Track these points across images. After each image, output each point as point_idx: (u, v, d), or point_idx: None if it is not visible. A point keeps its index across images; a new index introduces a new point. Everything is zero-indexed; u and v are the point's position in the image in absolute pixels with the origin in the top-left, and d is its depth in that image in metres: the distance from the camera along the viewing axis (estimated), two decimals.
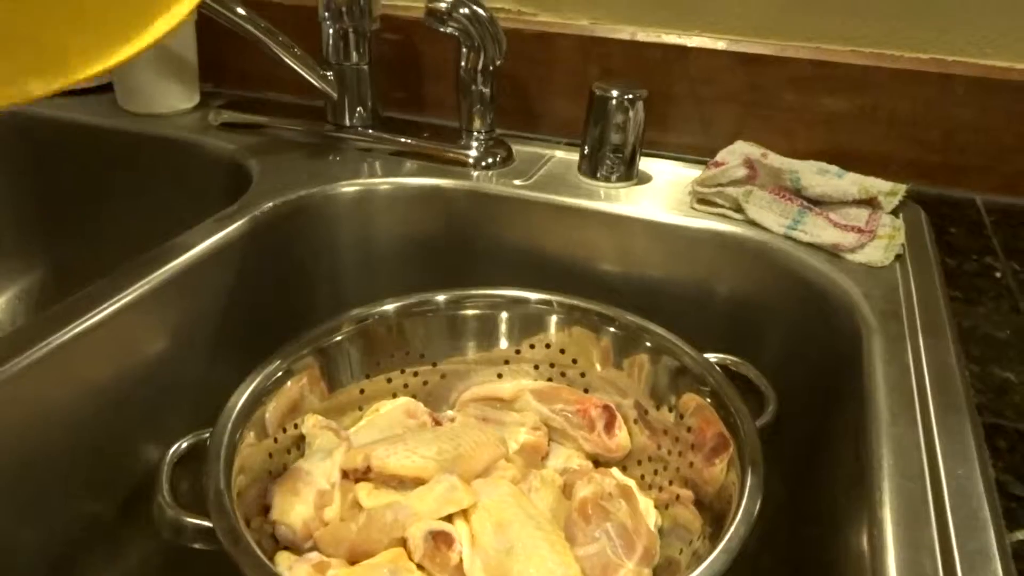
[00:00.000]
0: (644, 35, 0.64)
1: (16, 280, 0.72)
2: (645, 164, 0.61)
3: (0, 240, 0.72)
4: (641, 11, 0.64)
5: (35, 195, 0.72)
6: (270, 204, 0.54)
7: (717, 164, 0.57)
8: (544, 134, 0.68)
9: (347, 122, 0.64)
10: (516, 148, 0.64)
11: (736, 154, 0.58)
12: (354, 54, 0.62)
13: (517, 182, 0.58)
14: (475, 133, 0.62)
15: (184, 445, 0.40)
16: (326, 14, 0.61)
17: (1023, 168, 0.60)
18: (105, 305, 0.43)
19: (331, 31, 0.62)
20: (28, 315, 0.70)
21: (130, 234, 0.69)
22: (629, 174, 0.59)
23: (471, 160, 0.61)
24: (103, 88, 0.72)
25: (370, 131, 0.64)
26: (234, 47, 0.68)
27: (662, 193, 0.58)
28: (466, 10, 0.57)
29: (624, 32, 0.64)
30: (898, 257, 0.50)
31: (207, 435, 0.39)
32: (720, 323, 0.52)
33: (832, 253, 0.50)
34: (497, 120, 0.63)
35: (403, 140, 0.63)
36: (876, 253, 0.49)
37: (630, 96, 0.57)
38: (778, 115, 0.62)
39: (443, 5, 0.57)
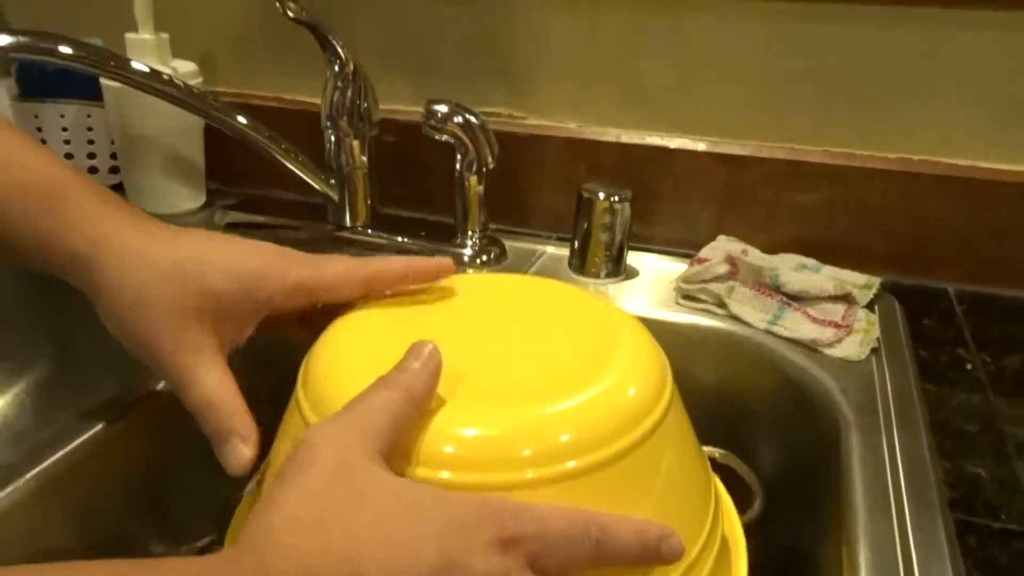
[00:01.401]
0: (628, 137, 0.67)
1: (22, 375, 0.73)
2: (632, 258, 0.64)
3: (7, 335, 0.74)
4: (626, 114, 0.68)
5: (43, 288, 0.74)
6: None
7: (700, 261, 0.60)
8: (535, 229, 0.71)
9: (347, 222, 0.68)
10: (509, 244, 0.67)
11: (718, 251, 0.61)
12: (354, 158, 0.66)
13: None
14: (470, 231, 0.65)
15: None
16: (328, 123, 0.65)
17: (990, 257, 0.63)
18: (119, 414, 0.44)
19: (332, 137, 0.65)
20: (35, 409, 0.71)
21: None
22: (617, 270, 0.62)
23: (466, 258, 0.64)
24: (113, 188, 0.75)
25: (369, 230, 0.67)
26: (238, 148, 0.72)
27: (649, 288, 0.61)
28: (460, 119, 0.61)
29: (610, 134, 0.68)
30: (873, 350, 0.52)
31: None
32: (705, 415, 0.54)
33: (811, 348, 0.52)
34: (490, 216, 0.66)
35: (401, 239, 0.66)
36: (852, 348, 0.52)
37: (616, 198, 0.60)
38: (756, 210, 0.66)
39: (439, 115, 0.61)
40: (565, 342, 0.36)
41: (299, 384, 0.35)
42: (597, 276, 0.62)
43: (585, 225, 0.61)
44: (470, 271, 0.63)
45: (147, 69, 0.58)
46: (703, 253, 0.62)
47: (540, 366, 0.34)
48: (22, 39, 0.52)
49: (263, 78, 0.76)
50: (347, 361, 0.35)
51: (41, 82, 0.71)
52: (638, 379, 0.34)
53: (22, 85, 0.71)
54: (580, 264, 0.62)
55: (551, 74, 0.69)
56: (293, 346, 0.40)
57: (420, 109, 0.61)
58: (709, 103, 0.66)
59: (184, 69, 0.69)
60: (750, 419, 0.54)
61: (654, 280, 0.62)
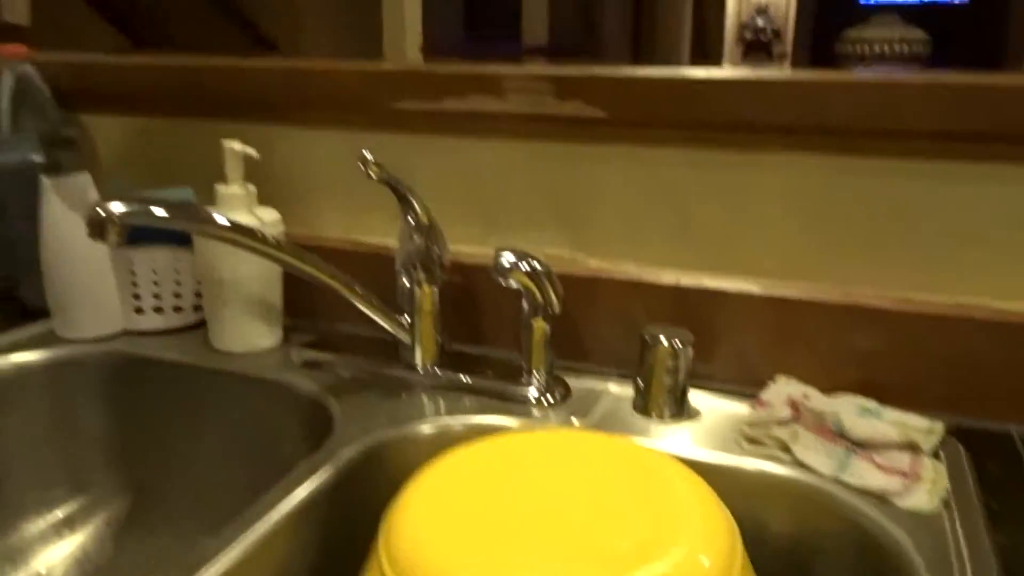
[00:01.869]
0: (685, 279, 0.70)
1: (104, 508, 0.76)
2: (693, 397, 0.66)
3: (90, 469, 0.77)
4: (682, 257, 0.71)
5: (125, 426, 0.78)
6: (352, 453, 0.59)
7: (762, 403, 0.62)
8: (596, 365, 0.73)
9: (417, 361, 0.71)
10: (573, 382, 0.69)
11: (780, 394, 0.63)
12: (426, 303, 0.69)
13: (577, 421, 0.63)
14: (535, 372, 0.68)
15: None
16: (402, 269, 0.69)
17: None
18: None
19: (406, 282, 0.69)
20: (115, 543, 0.74)
21: (215, 468, 0.74)
22: (680, 411, 0.64)
23: (533, 399, 0.66)
24: (196, 326, 0.79)
25: (438, 370, 0.70)
26: (313, 287, 0.76)
27: (713, 431, 0.62)
28: (526, 268, 0.64)
29: (667, 276, 0.71)
30: (943, 501, 0.53)
31: None
32: (773, 565, 0.55)
33: (880, 498, 0.53)
34: (555, 353, 0.69)
35: (470, 379, 0.69)
36: (922, 498, 0.52)
37: (678, 342, 0.62)
38: (812, 352, 0.67)
39: (506, 264, 0.64)
40: (635, 506, 0.38)
41: (380, 542, 0.37)
42: (660, 417, 0.64)
43: (648, 368, 0.63)
44: (536, 412, 0.65)
45: (228, 223, 0.63)
46: (765, 396, 0.63)
47: (612, 532, 0.36)
48: (133, 207, 0.57)
49: (338, 221, 0.81)
50: (427, 522, 0.37)
51: (137, 230, 0.76)
52: (710, 548, 0.35)
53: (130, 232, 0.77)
54: (644, 405, 0.64)
55: (610, 219, 0.73)
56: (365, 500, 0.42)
57: (487, 250, 0.64)
58: (763, 246, 0.69)
59: (268, 217, 0.75)
60: (821, 569, 0.54)
61: (717, 422, 0.64)
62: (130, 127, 0.87)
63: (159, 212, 0.60)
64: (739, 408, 0.64)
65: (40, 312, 0.81)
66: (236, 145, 0.73)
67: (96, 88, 0.86)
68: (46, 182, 0.75)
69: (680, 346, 0.62)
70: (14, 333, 0.79)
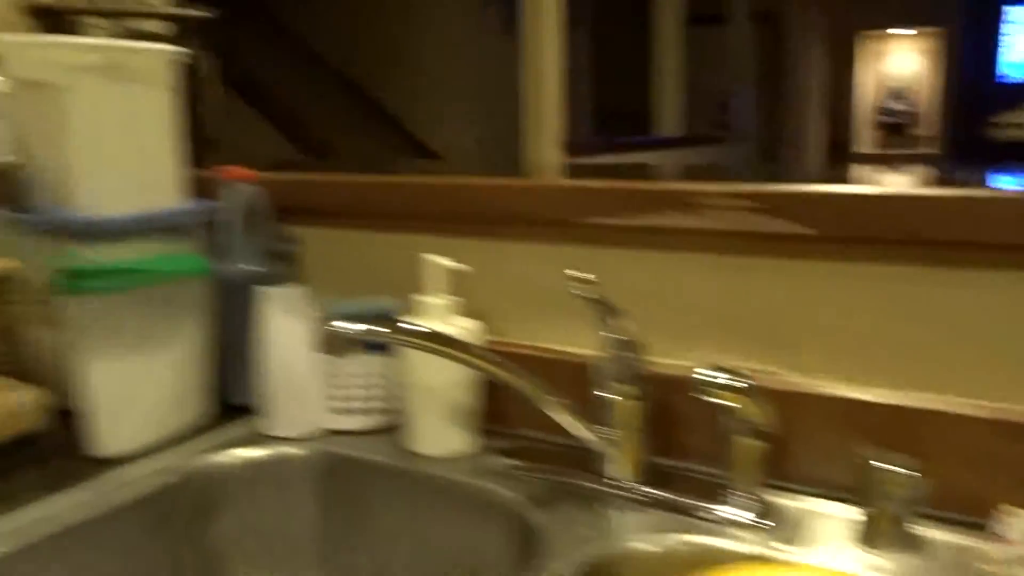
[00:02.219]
0: (903, 398, 0.68)
1: None
2: (915, 526, 0.63)
3: (292, 561, 0.81)
4: (894, 374, 0.69)
5: (327, 523, 0.81)
6: (571, 570, 0.59)
7: (1002, 539, 0.58)
8: (803, 485, 0.71)
9: (618, 474, 0.71)
10: (780, 503, 0.67)
11: (1019, 530, 0.59)
12: (627, 414, 0.70)
13: (785, 546, 0.61)
14: (741, 491, 0.66)
15: None
16: (602, 382, 0.70)
17: None
18: None
19: (605, 393, 0.70)
20: None
21: (411, 571, 0.76)
22: (906, 543, 0.61)
23: (747, 521, 0.64)
24: (391, 428, 0.82)
25: (638, 484, 0.70)
26: (508, 394, 0.78)
27: (946, 567, 0.58)
28: (730, 382, 0.64)
29: (880, 395, 0.68)
30: None
31: None
32: None
33: None
34: (762, 472, 0.67)
35: (671, 496, 0.68)
36: None
37: (905, 468, 0.60)
38: None
39: (709, 378, 0.64)
40: None
41: None
42: (885, 549, 0.60)
43: (870, 494, 0.61)
44: (750, 535, 0.63)
45: (441, 335, 0.66)
46: (1001, 530, 0.59)
47: None
48: (360, 327, 0.62)
49: (532, 330, 0.83)
50: None
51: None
52: None
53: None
54: (867, 535, 0.61)
55: (814, 335, 0.72)
56: None
57: (682, 362, 0.64)
58: (984, 366, 0.66)
59: (468, 327, 0.78)
60: None
61: (947, 556, 0.60)
62: (332, 238, 0.93)
63: (381, 329, 0.64)
64: (967, 541, 0.61)
65: (242, 409, 0.87)
66: (437, 259, 0.77)
67: (305, 203, 0.93)
68: (264, 291, 0.81)
69: (908, 472, 0.60)
70: (226, 430, 0.84)
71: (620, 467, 0.71)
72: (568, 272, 0.65)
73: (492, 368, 0.66)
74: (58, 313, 0.83)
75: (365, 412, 0.83)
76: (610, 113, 4.45)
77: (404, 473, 0.77)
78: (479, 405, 0.80)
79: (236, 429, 0.84)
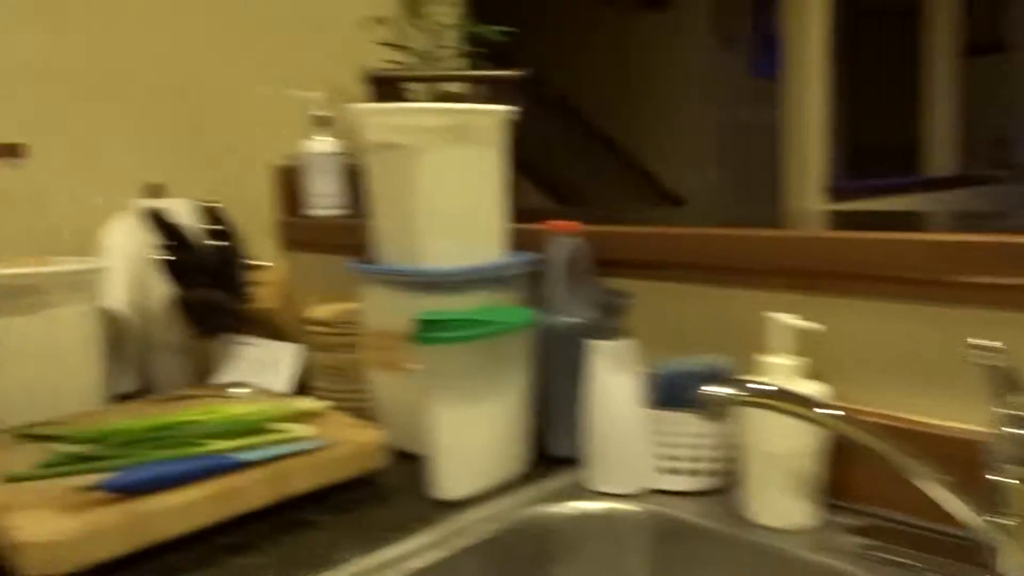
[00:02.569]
0: None
1: None
2: None
3: None
4: None
5: None
6: None
7: None
8: None
9: (1010, 569, 0.62)
10: None
11: None
12: (1021, 502, 0.61)
13: None
14: None
15: None
16: (996, 462, 0.62)
17: None
18: None
19: (1000, 479, 0.61)
20: None
21: None
22: None
23: None
24: (718, 491, 0.79)
25: None
26: (864, 465, 0.72)
27: None
28: None
29: None
30: None
31: None
32: None
33: None
34: None
35: None
36: None
37: None
38: None
39: None
40: None
41: None
42: None
43: None
44: None
45: (809, 397, 0.62)
46: None
47: None
48: (737, 390, 0.59)
49: (894, 399, 0.76)
50: None
51: (679, 395, 0.79)
52: None
53: (664, 395, 0.80)
54: None
55: None
56: None
57: None
58: None
59: (818, 391, 0.72)
60: None
61: None
62: (655, 291, 0.92)
63: (762, 388, 0.61)
64: None
65: (560, 461, 0.87)
66: (785, 317, 0.73)
67: (627, 255, 0.93)
68: (594, 345, 0.81)
69: None
70: (549, 481, 0.85)
71: (1014, 561, 0.62)
72: (972, 341, 0.58)
73: (867, 437, 0.61)
74: (403, 359, 0.89)
75: (693, 472, 0.80)
76: (867, 152, 4.16)
77: (740, 542, 0.73)
78: (825, 475, 0.74)
79: (559, 481, 0.85)
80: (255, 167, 1.40)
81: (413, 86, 1.21)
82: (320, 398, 0.97)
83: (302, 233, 1.39)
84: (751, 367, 0.76)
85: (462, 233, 0.90)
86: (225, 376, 1.12)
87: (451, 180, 0.89)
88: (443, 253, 0.89)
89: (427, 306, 0.86)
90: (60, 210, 1.04)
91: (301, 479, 0.78)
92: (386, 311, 0.91)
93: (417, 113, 0.88)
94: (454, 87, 1.44)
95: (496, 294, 0.90)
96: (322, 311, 1.11)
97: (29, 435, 0.85)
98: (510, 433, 0.85)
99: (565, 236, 0.90)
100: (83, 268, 1.04)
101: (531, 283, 0.95)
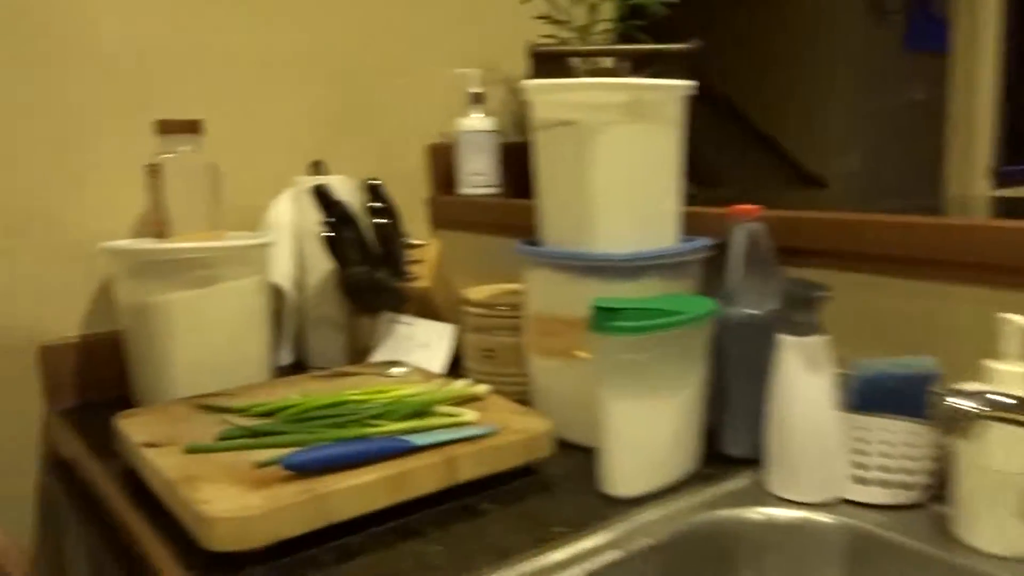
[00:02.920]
0: None
1: None
2: None
3: None
4: None
5: None
6: None
7: None
8: None
9: None
10: None
11: None
12: None
13: None
14: None
15: None
16: None
17: None
18: None
19: None
20: None
21: None
22: None
23: None
24: (920, 505, 0.71)
25: None
26: None
27: None
28: None
29: None
30: None
31: None
32: None
33: None
34: None
35: None
36: None
37: None
38: None
39: None
40: None
41: None
42: None
43: None
44: None
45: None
46: None
47: None
48: (979, 402, 0.52)
49: None
50: None
51: (878, 399, 0.72)
52: None
53: (860, 398, 0.73)
54: None
55: None
56: None
57: None
58: None
59: None
60: None
61: None
62: (848, 284, 0.84)
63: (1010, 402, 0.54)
64: None
65: (734, 461, 0.82)
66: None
67: (814, 243, 0.86)
68: (785, 340, 0.75)
69: None
70: (726, 482, 0.79)
71: None
72: None
73: None
74: (571, 346, 0.85)
75: (892, 484, 0.73)
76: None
77: (950, 567, 0.66)
78: None
79: (736, 483, 0.79)
80: (409, 145, 1.39)
81: (574, 61, 1.16)
82: (473, 380, 0.96)
83: (453, 212, 1.38)
84: (968, 372, 0.68)
85: (637, 216, 0.86)
86: (381, 354, 1.12)
87: (627, 159, 0.84)
88: (616, 237, 0.85)
89: (599, 292, 0.82)
90: (228, 185, 1.06)
91: (470, 465, 0.76)
92: (553, 295, 0.88)
93: (595, 89, 0.83)
94: (607, 62, 1.39)
95: (671, 281, 0.86)
96: (478, 292, 1.09)
97: (207, 406, 0.87)
98: (686, 429, 0.80)
99: (746, 220, 0.84)
100: (253, 243, 1.06)
101: (706, 270, 0.89)
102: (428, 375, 0.99)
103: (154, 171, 1.02)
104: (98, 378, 1.11)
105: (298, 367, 1.23)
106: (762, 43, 3.91)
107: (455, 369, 1.09)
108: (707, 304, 0.79)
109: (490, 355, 1.04)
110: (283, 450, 0.73)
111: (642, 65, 1.28)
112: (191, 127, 1.02)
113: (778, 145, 4.00)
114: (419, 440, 0.74)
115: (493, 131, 1.34)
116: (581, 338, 0.85)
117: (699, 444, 0.82)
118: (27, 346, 1.08)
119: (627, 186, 0.84)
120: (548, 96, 0.87)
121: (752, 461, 0.81)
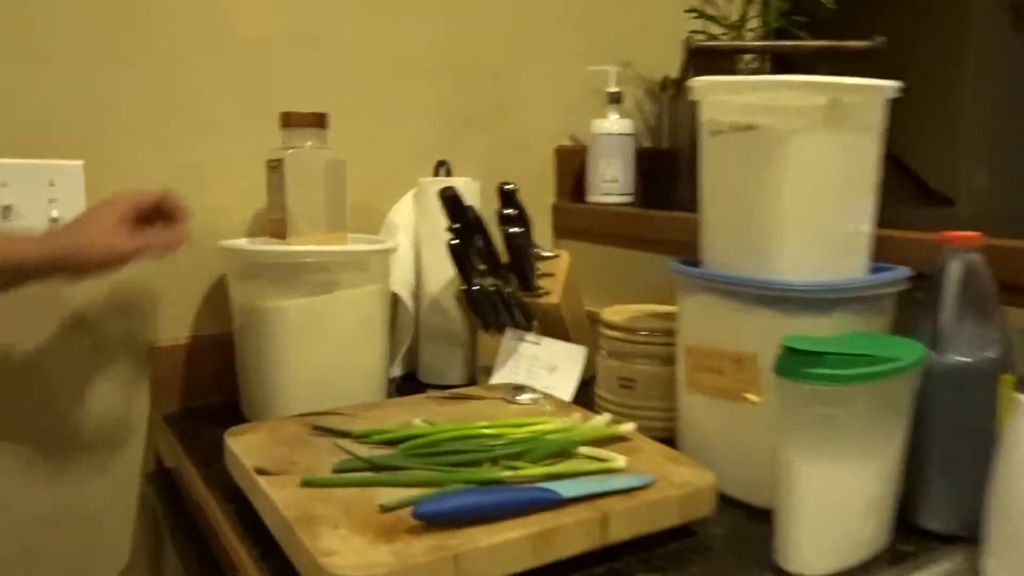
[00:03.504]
0: None
1: None
2: None
3: None
4: None
5: None
6: None
7: None
8: None
9: None
10: None
11: None
12: None
13: None
14: None
15: None
16: None
17: None
18: None
19: None
20: None
21: None
22: None
23: None
24: None
25: None
26: None
27: None
28: None
29: None
30: None
31: None
32: None
33: None
34: None
35: None
36: None
37: None
38: None
39: None
40: None
41: None
42: None
43: None
44: None
45: None
46: None
47: None
48: None
49: None
50: None
51: None
52: None
53: None
54: None
55: None
56: None
57: None
58: None
59: None
60: None
61: None
62: None
63: None
64: None
65: (932, 535, 0.68)
66: None
67: None
68: (1018, 399, 0.61)
69: None
70: (930, 564, 0.66)
71: None
72: None
73: None
74: (742, 387, 0.73)
75: None
76: None
77: None
78: None
79: (943, 566, 0.66)
80: (535, 147, 1.29)
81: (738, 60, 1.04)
82: (602, 411, 0.85)
83: (582, 221, 1.27)
84: None
85: (827, 238, 0.73)
86: (502, 375, 1.02)
87: (822, 172, 0.71)
88: (802, 262, 0.72)
89: (776, 326, 0.70)
90: (350, 184, 0.98)
91: (624, 524, 0.65)
92: (717, 325, 0.76)
93: (789, 88, 0.71)
94: (755, 62, 1.26)
95: (863, 318, 0.72)
96: (616, 312, 0.98)
97: (321, 428, 0.79)
98: (882, 498, 0.67)
99: (964, 249, 0.70)
100: (377, 249, 0.97)
101: (902, 307, 0.76)
102: (561, 405, 0.89)
103: (275, 167, 0.94)
104: (206, 382, 1.05)
105: (408, 380, 1.15)
106: (895, 54, 3.66)
107: (580, 396, 0.98)
108: (916, 349, 0.66)
109: (629, 385, 0.93)
110: (407, 489, 0.64)
111: (798, 68, 1.14)
112: (316, 120, 0.95)
113: (902, 161, 3.74)
114: (567, 490, 0.64)
115: (630, 134, 1.23)
116: (752, 379, 0.73)
117: (893, 515, 0.69)
118: (140, 347, 1.03)
119: (819, 203, 0.72)
120: (725, 96, 0.76)
121: (957, 539, 0.67)
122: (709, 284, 0.76)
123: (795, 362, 0.61)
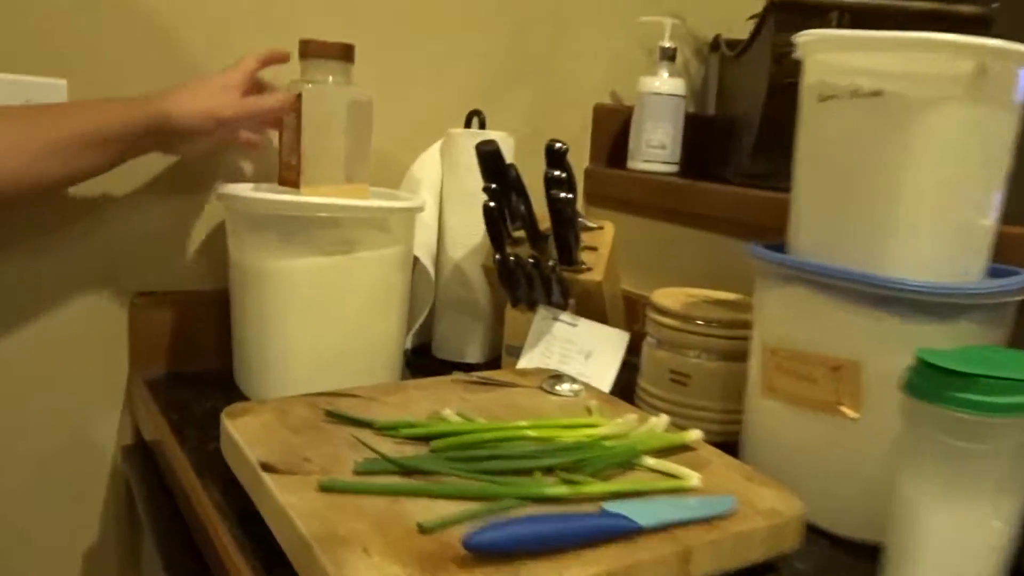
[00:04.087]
0: None
1: None
2: None
3: None
4: None
5: None
6: None
7: None
8: None
9: None
10: None
11: None
12: None
13: None
14: None
15: None
16: None
17: None
18: None
19: None
20: None
21: None
22: None
23: None
24: None
25: None
26: None
27: None
28: None
29: None
30: None
31: None
32: None
33: None
34: None
35: None
36: None
37: None
38: None
39: None
40: None
41: None
42: None
43: None
44: None
45: None
46: None
47: None
48: None
49: None
50: None
51: None
52: None
53: None
54: None
55: None
56: None
57: None
58: None
59: None
60: None
61: None
62: None
63: None
64: None
65: None
66: None
67: None
68: None
69: None
70: None
71: None
72: None
73: None
74: (839, 399, 0.63)
75: None
76: None
77: None
78: None
79: None
80: (573, 104, 1.16)
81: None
82: (645, 406, 0.74)
83: (618, 188, 1.15)
84: None
85: (951, 232, 0.62)
86: (531, 358, 0.91)
87: (957, 153, 0.60)
88: (921, 257, 0.61)
89: (886, 332, 0.59)
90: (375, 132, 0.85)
91: (707, 559, 0.54)
92: (810, 324, 0.65)
93: (931, 49, 0.59)
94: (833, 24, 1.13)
95: (986, 328, 0.62)
96: (667, 296, 0.87)
97: (335, 414, 0.67)
98: (1008, 539, 0.57)
99: None
100: (403, 207, 0.85)
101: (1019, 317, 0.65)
102: (607, 400, 0.78)
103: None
104: (200, 346, 0.92)
105: (420, 354, 1.03)
106: (1009, 23, 3.52)
107: (615, 387, 0.87)
108: None
109: (682, 380, 0.82)
110: (446, 501, 0.53)
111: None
112: (342, 52, 0.81)
113: None
114: (643, 518, 0.53)
115: (682, 96, 1.10)
116: (852, 391, 0.62)
117: (1012, 559, 0.59)
118: (119, 296, 0.90)
119: (950, 189, 0.61)
120: (842, 54, 0.64)
121: None
122: (805, 275, 0.65)
123: (936, 382, 0.50)
